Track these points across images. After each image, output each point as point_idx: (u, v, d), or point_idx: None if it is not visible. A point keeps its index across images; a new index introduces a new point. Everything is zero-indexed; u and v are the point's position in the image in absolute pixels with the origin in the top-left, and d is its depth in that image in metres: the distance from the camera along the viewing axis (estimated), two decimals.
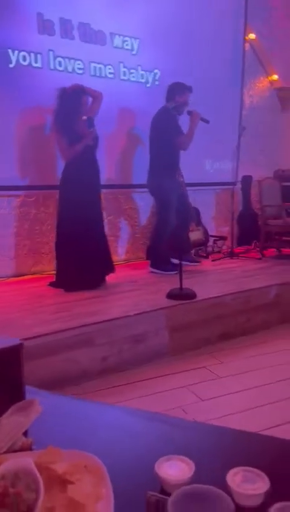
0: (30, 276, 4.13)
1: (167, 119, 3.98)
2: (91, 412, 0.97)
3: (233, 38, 5.17)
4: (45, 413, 0.89)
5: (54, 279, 3.73)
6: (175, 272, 3.99)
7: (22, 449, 0.80)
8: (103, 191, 4.05)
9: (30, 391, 0.96)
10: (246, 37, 5.36)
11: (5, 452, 0.78)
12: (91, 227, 3.60)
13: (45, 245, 4.26)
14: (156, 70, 4.62)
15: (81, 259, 3.55)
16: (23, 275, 4.14)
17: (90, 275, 3.60)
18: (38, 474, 0.67)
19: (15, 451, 0.80)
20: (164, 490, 0.70)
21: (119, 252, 4.80)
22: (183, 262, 4.17)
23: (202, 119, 4.07)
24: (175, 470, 0.72)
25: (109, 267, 3.77)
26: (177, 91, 4.03)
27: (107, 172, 4.23)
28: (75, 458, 0.74)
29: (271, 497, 0.66)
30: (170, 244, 4.12)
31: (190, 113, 4.01)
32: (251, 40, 5.49)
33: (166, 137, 3.96)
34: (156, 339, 2.95)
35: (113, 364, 2.74)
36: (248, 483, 0.68)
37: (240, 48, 5.25)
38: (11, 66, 3.75)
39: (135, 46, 4.43)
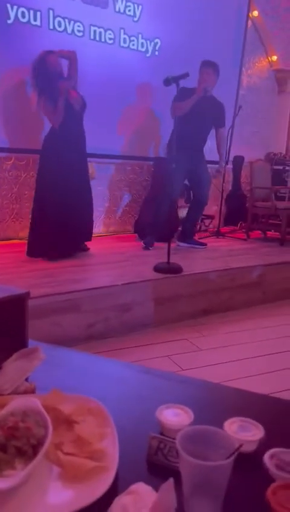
0: (17, 241, 4.10)
1: (177, 94, 3.84)
2: (90, 364, 1.00)
3: (237, 14, 5.09)
4: (46, 362, 0.92)
5: (27, 247, 3.59)
6: (204, 247, 4.21)
7: (25, 393, 0.82)
8: (95, 159, 4.01)
9: (31, 343, 0.98)
10: (250, 14, 5.28)
11: (10, 394, 0.80)
12: (73, 195, 3.51)
13: None
14: (156, 40, 4.53)
15: (56, 226, 3.45)
16: (11, 239, 4.11)
17: (64, 244, 3.54)
18: (45, 413, 0.70)
19: (19, 394, 0.82)
20: (164, 435, 0.74)
21: (107, 223, 4.79)
22: (189, 245, 4.25)
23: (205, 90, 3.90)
24: (175, 416, 0.75)
25: (86, 236, 3.75)
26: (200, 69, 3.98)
27: (96, 141, 4.16)
28: (78, 401, 0.77)
29: (265, 445, 0.70)
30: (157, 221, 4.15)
31: (168, 83, 3.49)
32: (254, 18, 5.41)
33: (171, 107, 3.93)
34: (141, 309, 3.00)
35: (98, 332, 2.78)
36: (244, 431, 0.72)
37: (243, 24, 5.18)
38: (9, 21, 3.62)
39: (137, 13, 4.33)
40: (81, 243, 3.76)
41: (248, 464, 0.69)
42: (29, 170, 4.15)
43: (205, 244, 4.37)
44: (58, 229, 3.46)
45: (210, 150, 5.28)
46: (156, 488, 0.60)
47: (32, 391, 0.83)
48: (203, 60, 3.99)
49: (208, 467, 0.56)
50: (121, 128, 4.51)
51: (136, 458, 0.70)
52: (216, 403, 0.86)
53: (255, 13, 5.39)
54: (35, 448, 0.64)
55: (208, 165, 5.40)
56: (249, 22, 5.34)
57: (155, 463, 0.68)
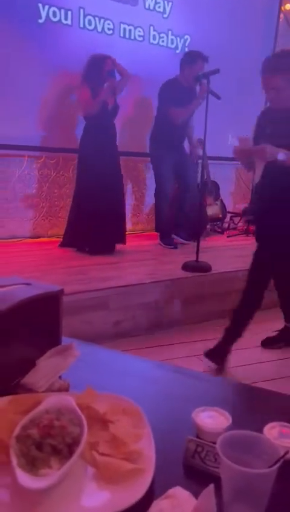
0: (47, 239, 4.15)
1: (170, 91, 3.78)
2: (122, 362, 0.99)
3: (268, 8, 4.98)
4: (80, 360, 0.91)
5: (62, 239, 3.79)
6: (172, 247, 4.03)
7: (59, 390, 0.82)
8: (123, 158, 4.00)
9: (65, 341, 0.98)
10: (282, 7, 5.15)
11: (44, 392, 0.80)
12: (108, 192, 3.59)
13: (62, 209, 4.26)
14: (186, 36, 4.48)
15: (94, 222, 3.56)
16: (40, 237, 4.16)
17: (100, 240, 3.61)
18: (79, 411, 0.69)
19: (54, 391, 0.82)
20: (200, 438, 0.72)
21: (135, 221, 4.78)
22: (177, 238, 4.16)
23: (212, 93, 3.57)
24: (212, 419, 0.73)
25: (120, 237, 3.78)
26: (187, 61, 3.78)
27: (128, 139, 4.16)
28: (113, 401, 0.76)
29: None
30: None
31: (197, 80, 3.51)
32: (286, 11, 5.28)
33: (164, 108, 3.83)
34: (169, 307, 2.98)
35: (125, 329, 2.78)
36: (285, 437, 0.69)
37: (275, 18, 5.06)
38: (40, 21, 3.65)
39: (167, 9, 4.29)
40: (114, 243, 3.77)
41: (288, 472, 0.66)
42: (59, 169, 4.19)
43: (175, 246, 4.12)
44: (94, 225, 3.56)
45: (217, 145, 5.22)
46: (194, 493, 0.58)
47: (66, 389, 0.83)
48: (198, 51, 3.79)
49: (251, 474, 0.53)
50: (148, 126, 4.49)
51: (172, 461, 0.68)
52: (254, 406, 0.83)
53: (288, 6, 5.26)
54: (71, 447, 0.63)
55: (237, 162, 5.32)
56: (281, 15, 5.21)
57: (192, 467, 0.66)
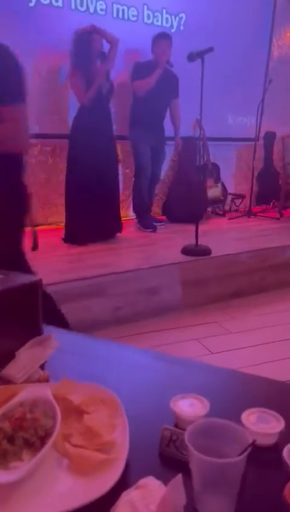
0: (46, 227, 4.13)
1: (137, 68, 3.80)
2: (105, 350, 0.98)
3: None
4: (61, 350, 0.90)
5: (64, 233, 3.67)
6: (150, 230, 3.97)
7: (39, 381, 0.81)
8: (121, 142, 3.95)
9: (46, 330, 0.97)
10: None
11: (23, 383, 0.79)
12: (102, 177, 3.51)
13: (61, 196, 4.22)
14: (181, 14, 4.36)
15: (91, 211, 3.50)
16: (40, 225, 4.14)
17: (99, 227, 3.58)
18: (55, 403, 0.68)
19: (32, 383, 0.81)
20: (179, 426, 0.71)
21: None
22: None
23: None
24: (190, 407, 0.72)
25: (117, 226, 3.73)
26: (153, 42, 3.80)
27: (121, 122, 4.09)
28: (90, 391, 0.75)
29: (286, 437, 0.66)
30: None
31: (192, 59, 3.15)
32: None
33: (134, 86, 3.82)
34: (169, 292, 2.97)
35: (125, 315, 2.78)
36: (262, 422, 0.68)
37: None
38: (31, 4, 3.57)
39: None
40: (111, 230, 3.73)
41: (266, 458, 0.65)
42: (56, 156, 4.15)
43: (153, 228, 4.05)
44: (88, 213, 3.50)
45: (242, 126, 5.13)
46: (166, 483, 0.57)
47: (46, 380, 0.82)
48: (160, 31, 3.83)
49: (219, 463, 0.52)
50: None
51: (148, 451, 0.67)
52: (235, 392, 0.82)
53: None
54: (43, 440, 0.63)
55: (238, 142, 5.25)
56: None
57: (167, 456, 0.66)
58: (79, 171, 3.49)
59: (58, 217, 4.23)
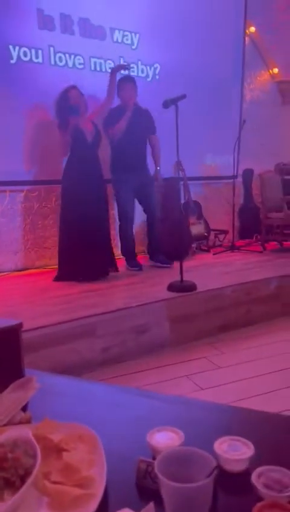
0: (34, 270, 4.18)
1: (108, 116, 3.92)
2: (87, 390, 1.01)
3: (233, 31, 5.18)
4: (42, 391, 0.93)
5: (56, 273, 3.78)
6: (137, 269, 4.06)
7: (20, 423, 0.84)
8: (110, 185, 4.08)
9: (28, 372, 1.00)
10: (247, 31, 5.36)
11: (5, 425, 0.82)
12: (93, 220, 3.64)
13: (47, 239, 4.31)
14: (156, 65, 4.63)
15: (83, 251, 3.61)
16: (28, 269, 4.19)
17: (92, 267, 3.65)
18: (35, 442, 0.71)
19: (14, 424, 0.84)
20: (155, 458, 0.74)
21: (119, 245, 4.83)
22: (155, 263, 4.19)
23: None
24: (166, 439, 0.75)
25: (111, 263, 3.83)
26: (118, 87, 3.89)
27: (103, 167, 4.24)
28: (70, 429, 0.78)
29: (256, 462, 0.69)
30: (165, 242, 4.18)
31: (166, 106, 3.22)
32: (251, 34, 5.49)
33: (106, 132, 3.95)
34: (157, 330, 2.99)
35: (114, 355, 2.78)
36: (233, 450, 0.71)
37: (241, 41, 5.26)
38: (12, 61, 3.78)
39: (135, 41, 4.45)
40: (109, 269, 3.81)
41: (237, 483, 0.68)
42: (42, 200, 4.26)
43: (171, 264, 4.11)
44: (81, 254, 3.61)
45: (221, 164, 5.33)
46: None
47: (27, 421, 0.85)
48: (124, 76, 3.96)
49: (184, 488, 0.55)
50: None
51: (126, 483, 0.70)
52: (210, 424, 0.85)
53: (252, 29, 5.47)
54: (23, 479, 0.65)
55: (217, 180, 5.44)
56: (247, 38, 5.41)
57: (144, 487, 0.68)
58: (71, 218, 3.63)
59: (45, 260, 4.29)
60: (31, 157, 4.06)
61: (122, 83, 3.90)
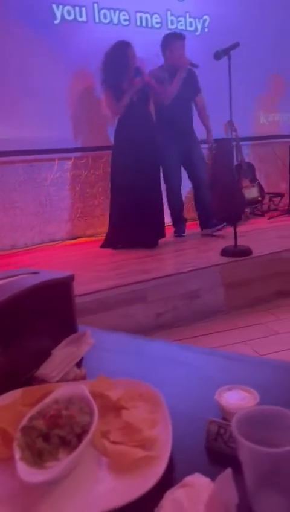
0: (85, 239, 4.17)
1: (157, 78, 3.62)
2: (143, 347, 0.93)
3: None
4: (98, 347, 0.87)
5: (105, 239, 3.74)
6: (183, 235, 3.91)
7: (75, 379, 0.78)
8: None
9: (82, 329, 0.94)
10: None
11: (58, 382, 0.76)
12: (146, 187, 3.51)
13: (96, 207, 4.26)
14: (205, 17, 4.34)
15: (135, 220, 3.52)
16: (78, 238, 4.19)
17: (143, 233, 3.57)
18: (91, 399, 0.64)
19: (68, 381, 0.78)
20: (225, 419, 0.65)
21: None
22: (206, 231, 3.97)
23: (192, 64, 3.51)
24: (237, 399, 0.66)
25: (160, 232, 3.69)
26: (163, 45, 3.62)
27: None
28: (129, 386, 0.71)
29: None
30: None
31: (218, 57, 3.06)
32: None
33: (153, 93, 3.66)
34: (211, 296, 2.89)
35: (168, 320, 2.72)
36: None
37: None
38: (56, 22, 3.67)
39: None
40: (155, 237, 3.69)
41: None
42: (89, 168, 4.19)
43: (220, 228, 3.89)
44: (132, 222, 3.53)
45: (276, 123, 4.99)
46: (215, 480, 0.52)
47: (82, 377, 0.78)
48: (172, 32, 3.66)
49: (274, 454, 0.46)
50: None
51: (194, 446, 0.62)
52: (286, 385, 0.75)
53: None
54: (80, 437, 0.59)
55: (272, 140, 5.11)
56: None
57: (215, 450, 0.60)
58: (122, 183, 3.53)
59: (95, 228, 4.26)
60: (78, 123, 3.97)
61: (171, 40, 3.60)
